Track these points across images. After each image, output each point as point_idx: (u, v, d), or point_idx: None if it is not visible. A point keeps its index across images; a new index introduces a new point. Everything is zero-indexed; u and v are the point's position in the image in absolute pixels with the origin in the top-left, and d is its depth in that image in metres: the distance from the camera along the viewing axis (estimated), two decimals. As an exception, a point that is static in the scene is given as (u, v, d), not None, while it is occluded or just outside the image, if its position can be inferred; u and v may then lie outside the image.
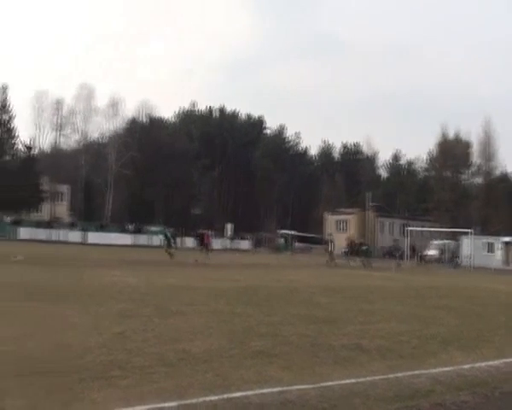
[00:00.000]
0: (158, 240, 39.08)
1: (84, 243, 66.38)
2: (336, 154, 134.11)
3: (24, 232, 67.24)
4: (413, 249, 59.87)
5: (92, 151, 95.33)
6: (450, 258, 65.59)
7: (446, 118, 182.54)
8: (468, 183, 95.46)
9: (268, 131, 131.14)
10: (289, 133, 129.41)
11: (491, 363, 9.52)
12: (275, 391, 6.95)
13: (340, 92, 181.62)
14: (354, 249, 49.41)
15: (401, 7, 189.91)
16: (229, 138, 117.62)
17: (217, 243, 73.49)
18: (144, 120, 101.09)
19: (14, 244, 50.81)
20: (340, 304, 17.15)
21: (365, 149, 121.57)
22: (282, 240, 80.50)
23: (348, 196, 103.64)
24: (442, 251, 70.38)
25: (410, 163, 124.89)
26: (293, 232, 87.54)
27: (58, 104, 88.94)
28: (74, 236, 70.19)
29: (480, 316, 16.23)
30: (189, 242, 64.19)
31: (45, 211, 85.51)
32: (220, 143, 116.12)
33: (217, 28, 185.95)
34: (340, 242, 52.83)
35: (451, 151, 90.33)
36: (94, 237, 69.70)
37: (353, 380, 7.73)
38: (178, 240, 53.48)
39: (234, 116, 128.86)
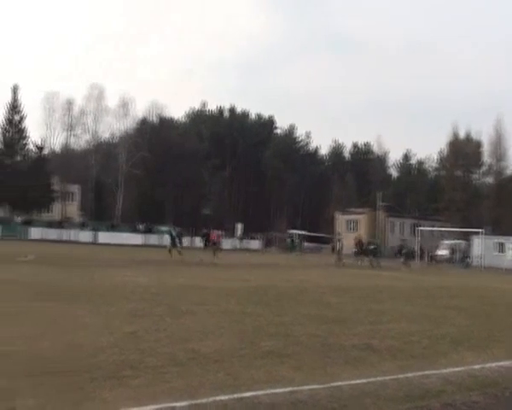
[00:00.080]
0: (167, 240, 39.08)
1: (94, 243, 66.64)
2: (347, 153, 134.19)
3: (35, 232, 67.53)
4: (421, 250, 59.69)
5: (102, 151, 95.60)
6: (461, 258, 65.38)
7: (457, 117, 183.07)
8: (479, 182, 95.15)
9: (278, 131, 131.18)
10: (300, 133, 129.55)
11: (501, 363, 9.49)
12: (285, 391, 6.96)
13: (350, 92, 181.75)
14: (362, 249, 49.30)
15: (411, 6, 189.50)
16: (240, 138, 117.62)
17: (227, 243, 73.62)
18: (154, 120, 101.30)
19: (25, 244, 51.01)
20: (349, 304, 17.12)
21: (376, 148, 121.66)
22: (289, 240, 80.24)
23: (359, 196, 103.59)
24: (453, 251, 70.16)
25: (420, 163, 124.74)
26: (302, 232, 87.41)
27: (69, 104, 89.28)
28: (85, 236, 70.47)
29: (490, 316, 16.18)
30: (199, 241, 64.28)
31: (56, 211, 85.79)
32: (230, 143, 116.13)
33: (226, 28, 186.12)
34: (350, 241, 52.72)
35: (462, 151, 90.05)
36: (104, 236, 69.95)
37: (364, 380, 7.73)
38: (188, 240, 53.54)
39: (244, 116, 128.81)
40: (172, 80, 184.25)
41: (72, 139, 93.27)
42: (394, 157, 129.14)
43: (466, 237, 71.67)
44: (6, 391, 6.37)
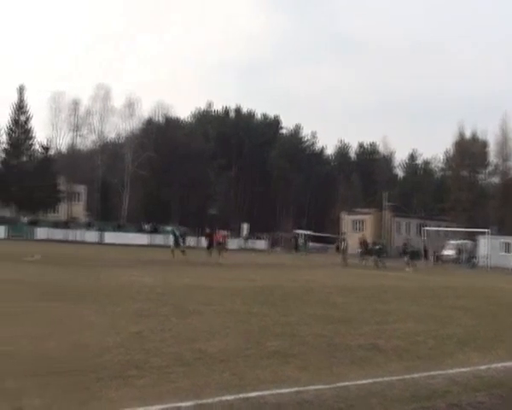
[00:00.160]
0: (171, 240, 39.06)
1: (100, 243, 66.69)
2: (352, 153, 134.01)
3: (41, 232, 67.63)
4: (425, 250, 59.57)
5: (108, 151, 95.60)
6: (467, 258, 65.22)
7: (463, 117, 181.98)
8: (485, 182, 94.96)
9: (284, 131, 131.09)
10: (305, 133, 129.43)
11: (507, 364, 9.48)
12: (291, 391, 6.96)
13: (356, 92, 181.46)
14: (367, 249, 49.26)
15: (417, 7, 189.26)
16: (246, 138, 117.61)
17: (233, 243, 73.60)
18: (160, 120, 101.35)
19: (32, 244, 51.13)
20: (355, 304, 17.12)
21: (382, 148, 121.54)
22: (293, 240, 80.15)
23: (364, 196, 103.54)
24: (459, 251, 69.98)
25: (426, 163, 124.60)
26: (307, 232, 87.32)
27: (75, 105, 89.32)
28: (91, 236, 70.54)
29: (496, 316, 16.16)
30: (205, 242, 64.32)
31: (62, 211, 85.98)
32: (236, 143, 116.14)
33: (233, 28, 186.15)
34: (355, 241, 52.70)
35: (468, 150, 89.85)
36: (110, 236, 70.00)
37: (370, 380, 7.72)
38: (194, 240, 53.58)
39: (250, 116, 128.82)
40: (178, 81, 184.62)
41: (78, 139, 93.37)
42: (400, 157, 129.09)
43: (472, 237, 71.53)
44: (12, 391, 6.39)
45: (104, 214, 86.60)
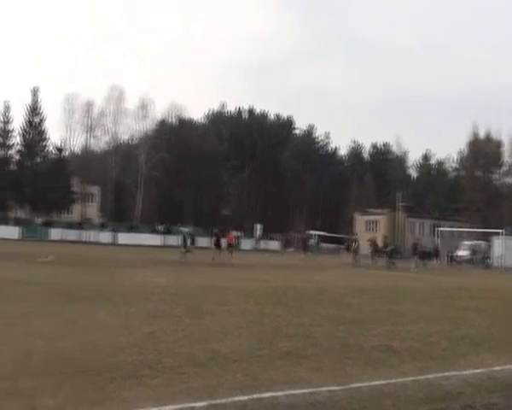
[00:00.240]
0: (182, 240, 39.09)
1: (114, 244, 66.88)
2: (366, 154, 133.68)
3: (55, 233, 67.96)
4: (436, 250, 59.33)
5: (122, 153, 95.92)
6: (481, 259, 64.83)
7: (477, 116, 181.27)
8: (500, 182, 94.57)
9: (297, 132, 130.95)
10: (318, 133, 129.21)
11: (521, 365, 9.44)
12: (304, 392, 6.95)
13: (369, 92, 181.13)
14: (377, 250, 49.17)
15: (429, 6, 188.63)
16: (259, 139, 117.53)
17: (246, 244, 73.68)
18: (174, 121, 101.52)
19: (46, 245, 51.37)
20: (368, 305, 17.07)
21: (395, 148, 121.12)
22: (302, 241, 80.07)
23: (378, 197, 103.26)
24: (473, 252, 69.61)
25: (440, 163, 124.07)
26: (320, 233, 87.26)
27: (88, 106, 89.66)
28: (104, 236, 70.80)
29: (510, 317, 16.08)
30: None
31: (76, 212, 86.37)
32: (249, 144, 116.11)
33: (245, 29, 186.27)
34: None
35: (482, 150, 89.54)
36: (124, 237, 70.19)
37: (383, 382, 7.70)
38: (207, 240, 53.56)
39: (263, 117, 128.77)
40: (191, 82, 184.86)
41: (92, 141, 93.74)
42: (413, 157, 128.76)
43: (486, 237, 71.17)
44: (27, 390, 6.41)
45: (118, 215, 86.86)
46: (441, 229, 71.12)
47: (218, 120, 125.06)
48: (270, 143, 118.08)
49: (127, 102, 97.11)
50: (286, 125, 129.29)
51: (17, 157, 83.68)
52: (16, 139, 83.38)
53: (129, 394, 6.48)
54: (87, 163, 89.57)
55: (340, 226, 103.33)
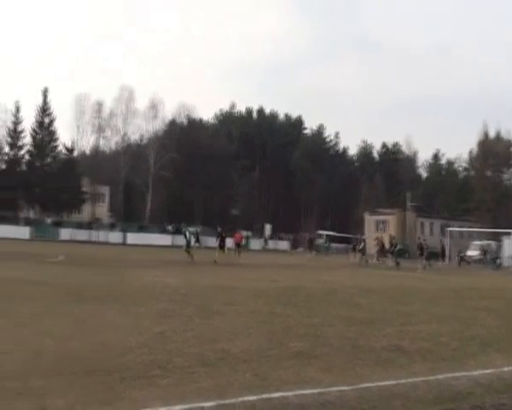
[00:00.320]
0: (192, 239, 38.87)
1: (123, 244, 66.98)
2: (376, 154, 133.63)
3: (65, 233, 68.10)
4: (443, 250, 59.13)
5: (132, 153, 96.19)
6: (491, 259, 64.60)
7: (487, 116, 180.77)
8: (510, 182, 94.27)
9: (307, 132, 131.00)
10: (328, 133, 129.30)
11: (531, 366, 9.39)
12: (314, 392, 6.94)
13: (379, 92, 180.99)
14: (383, 250, 49.07)
15: (439, 7, 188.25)
16: (269, 139, 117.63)
17: (255, 244, 73.64)
18: (183, 121, 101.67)
19: (56, 245, 51.52)
20: (378, 305, 17.03)
21: (405, 148, 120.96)
22: (307, 241, 79.94)
23: (388, 197, 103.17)
24: (483, 252, 69.40)
25: (450, 163, 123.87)
26: (329, 233, 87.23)
27: (99, 106, 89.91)
28: (114, 236, 70.88)
29: (521, 318, 16.01)
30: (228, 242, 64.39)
31: (86, 212, 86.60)
32: (259, 144, 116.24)
33: (255, 29, 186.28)
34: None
35: (492, 150, 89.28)
36: (134, 237, 70.24)
37: (393, 382, 7.68)
38: (213, 240, 53.48)
39: (273, 117, 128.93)
40: (201, 82, 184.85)
41: (102, 141, 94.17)
42: (423, 157, 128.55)
43: (496, 237, 70.94)
44: (37, 390, 6.42)
45: (127, 215, 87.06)
46: (451, 229, 70.90)
47: (228, 120, 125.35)
48: (280, 142, 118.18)
49: (137, 103, 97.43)
50: (296, 124, 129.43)
51: (27, 157, 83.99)
52: (26, 140, 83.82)
53: (139, 394, 6.49)
54: (97, 163, 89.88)
55: (351, 226, 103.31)
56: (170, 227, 78.22)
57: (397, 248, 47.90)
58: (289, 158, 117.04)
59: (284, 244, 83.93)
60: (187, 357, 8.45)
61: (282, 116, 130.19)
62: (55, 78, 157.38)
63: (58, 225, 72.03)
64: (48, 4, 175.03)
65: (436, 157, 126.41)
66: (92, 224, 77.43)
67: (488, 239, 73.65)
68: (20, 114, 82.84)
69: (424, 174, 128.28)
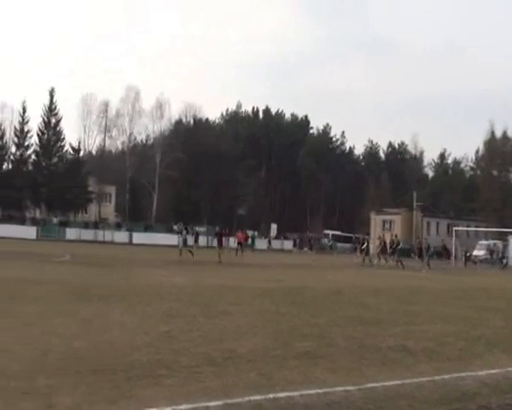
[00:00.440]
0: (203, 240, 38.71)
1: (130, 244, 67.03)
2: (382, 153, 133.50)
3: (71, 233, 68.15)
4: (445, 249, 58.98)
5: (138, 153, 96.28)
6: (498, 258, 64.41)
7: (494, 116, 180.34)
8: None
9: (313, 131, 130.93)
10: (334, 133, 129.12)
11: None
12: (320, 392, 6.94)
13: (385, 91, 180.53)
14: (386, 249, 48.95)
15: (446, 7, 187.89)
16: (275, 139, 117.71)
17: (261, 243, 73.59)
18: (190, 121, 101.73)
19: (62, 245, 51.57)
20: (384, 305, 17.00)
21: (411, 148, 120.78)
22: (308, 241, 79.83)
23: (394, 196, 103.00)
24: (490, 251, 69.22)
25: (456, 162, 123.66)
26: (335, 232, 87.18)
27: (105, 106, 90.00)
28: (120, 236, 70.91)
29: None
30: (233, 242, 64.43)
31: (92, 212, 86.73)
32: (266, 144, 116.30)
33: (261, 29, 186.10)
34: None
35: (499, 149, 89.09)
36: (140, 237, 70.26)
37: (399, 382, 7.67)
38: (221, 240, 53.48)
39: (279, 117, 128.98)
40: (207, 82, 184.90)
41: (108, 141, 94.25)
42: (430, 157, 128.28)
43: (502, 237, 70.76)
44: (43, 389, 6.44)
45: (133, 215, 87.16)
46: (457, 229, 70.76)
47: (235, 120, 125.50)
48: (286, 142, 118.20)
49: (143, 103, 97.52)
50: (302, 124, 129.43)
51: (34, 157, 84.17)
52: (33, 139, 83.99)
53: (145, 393, 6.50)
54: (103, 163, 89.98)
55: (357, 226, 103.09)
56: (176, 227, 78.25)
57: (398, 247, 47.72)
58: (295, 158, 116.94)
59: (290, 244, 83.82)
60: (193, 356, 8.46)
61: (288, 116, 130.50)
62: (59, 78, 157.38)
63: (64, 224, 72.13)
64: (48, 4, 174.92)
65: (442, 157, 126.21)
66: (98, 224, 77.52)
67: (494, 239, 73.44)
68: (26, 114, 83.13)
69: (430, 174, 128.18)
